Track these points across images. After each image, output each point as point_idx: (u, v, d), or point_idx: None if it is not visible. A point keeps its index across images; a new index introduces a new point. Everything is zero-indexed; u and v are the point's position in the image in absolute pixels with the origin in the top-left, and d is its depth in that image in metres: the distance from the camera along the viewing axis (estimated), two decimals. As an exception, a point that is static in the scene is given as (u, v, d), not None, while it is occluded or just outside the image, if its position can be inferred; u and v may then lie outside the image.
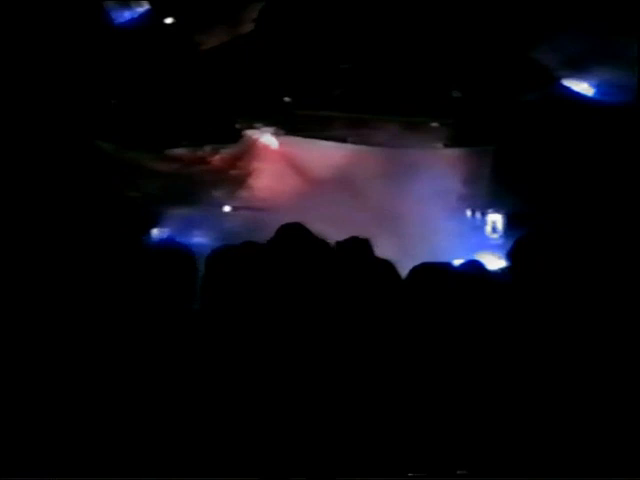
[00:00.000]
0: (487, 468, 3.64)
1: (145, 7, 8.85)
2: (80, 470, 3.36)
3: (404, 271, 4.23)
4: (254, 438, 3.44)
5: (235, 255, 3.88)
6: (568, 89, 9.17)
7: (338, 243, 5.05)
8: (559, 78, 9.19)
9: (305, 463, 3.50)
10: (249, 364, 3.54)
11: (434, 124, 8.98)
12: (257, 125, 9.44)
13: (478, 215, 9.48)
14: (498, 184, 8.96)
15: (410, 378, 3.76)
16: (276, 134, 9.48)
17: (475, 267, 4.45)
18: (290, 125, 9.44)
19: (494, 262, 6.38)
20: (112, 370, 3.50)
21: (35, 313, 3.70)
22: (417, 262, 4.25)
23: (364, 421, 3.66)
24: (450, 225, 8.94)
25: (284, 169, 9.48)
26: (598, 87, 9.11)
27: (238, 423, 3.45)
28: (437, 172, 8.73)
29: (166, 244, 4.07)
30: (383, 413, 3.68)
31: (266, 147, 9.51)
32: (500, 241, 9.21)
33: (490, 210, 9.46)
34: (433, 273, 4.14)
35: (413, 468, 3.62)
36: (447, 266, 4.25)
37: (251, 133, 9.47)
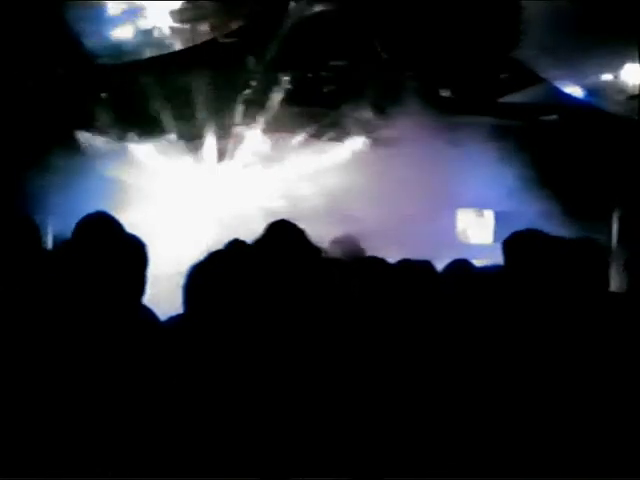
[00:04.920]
0: (485, 468, 3.63)
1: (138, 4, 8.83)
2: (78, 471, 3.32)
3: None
4: (254, 438, 3.41)
5: (221, 256, 3.82)
6: (559, 90, 9.19)
7: (332, 241, 5.05)
8: (549, 79, 9.20)
9: (305, 463, 3.48)
10: (245, 364, 3.50)
11: (425, 122, 8.96)
12: (247, 121, 9.43)
13: (469, 213, 9.53)
14: (490, 182, 8.97)
15: (405, 378, 3.75)
16: (266, 130, 9.47)
17: (463, 266, 4.43)
18: (280, 121, 9.43)
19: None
20: (105, 374, 3.45)
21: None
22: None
23: (361, 422, 3.65)
24: (440, 223, 8.97)
25: (273, 164, 9.49)
26: (588, 89, 9.13)
27: (237, 424, 3.42)
28: (429, 170, 8.74)
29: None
30: (380, 413, 3.67)
31: (255, 143, 9.50)
32: (490, 240, 9.25)
33: (481, 208, 9.49)
34: (415, 271, 4.12)
35: (412, 468, 3.61)
36: (427, 264, 4.21)
37: (241, 129, 9.45)
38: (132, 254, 3.67)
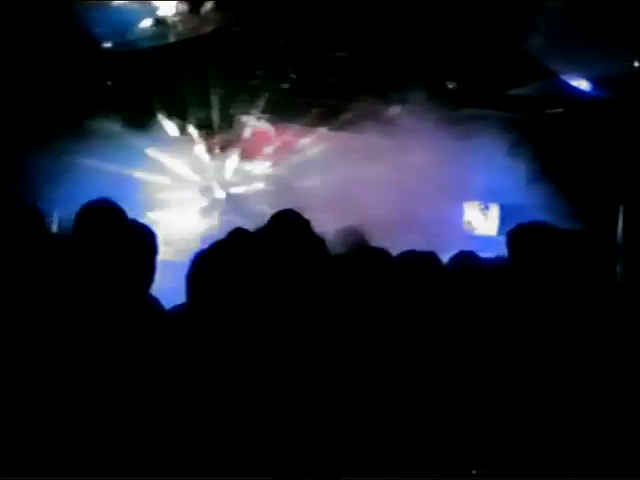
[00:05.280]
0: (485, 467, 3.63)
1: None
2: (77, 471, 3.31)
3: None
4: (254, 438, 3.40)
5: (224, 246, 3.81)
6: (565, 83, 9.17)
7: (336, 232, 5.04)
8: (555, 72, 9.18)
9: (305, 463, 3.47)
10: (248, 356, 3.50)
11: (431, 114, 8.96)
12: (252, 111, 9.43)
13: (475, 206, 9.54)
14: (495, 175, 8.97)
15: (409, 374, 3.74)
16: (271, 120, 9.47)
17: (469, 257, 4.43)
18: (285, 112, 9.43)
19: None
20: (103, 370, 3.43)
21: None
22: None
23: (363, 420, 3.64)
24: (446, 215, 8.98)
25: (278, 155, 9.49)
26: (594, 82, 9.12)
27: (238, 423, 3.41)
28: (434, 162, 8.74)
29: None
30: (381, 410, 3.66)
31: (260, 133, 9.50)
32: (495, 232, 9.27)
33: (485, 201, 9.50)
34: (421, 262, 4.12)
35: (412, 468, 3.61)
36: (432, 255, 4.21)
37: (246, 119, 9.45)
38: (136, 242, 3.67)
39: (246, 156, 9.55)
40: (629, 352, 3.86)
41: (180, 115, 9.29)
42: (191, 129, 9.38)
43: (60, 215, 7.21)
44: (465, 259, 4.42)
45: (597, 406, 3.75)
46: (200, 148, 9.44)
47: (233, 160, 9.52)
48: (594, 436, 3.72)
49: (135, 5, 8.80)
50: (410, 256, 4.17)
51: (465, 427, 3.72)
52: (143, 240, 3.68)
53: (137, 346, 3.45)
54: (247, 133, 9.51)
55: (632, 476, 3.63)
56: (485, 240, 8.80)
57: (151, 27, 8.89)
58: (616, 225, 9.04)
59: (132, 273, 3.61)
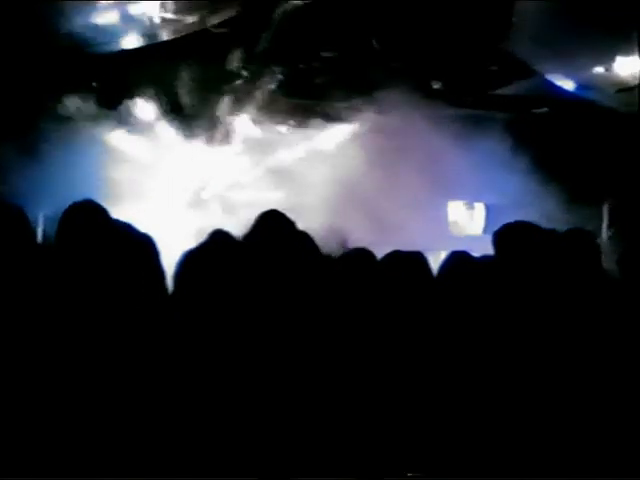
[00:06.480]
0: (482, 467, 3.64)
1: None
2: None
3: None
4: (254, 438, 3.40)
5: (209, 248, 3.81)
6: (549, 83, 9.20)
7: (323, 231, 5.03)
8: (540, 72, 9.21)
9: (305, 463, 3.47)
10: (232, 361, 3.50)
11: (416, 115, 8.98)
12: (237, 111, 9.44)
13: (460, 205, 9.55)
14: (480, 175, 9.00)
15: (397, 374, 3.75)
16: (256, 120, 9.48)
17: (461, 257, 4.41)
18: (270, 112, 9.44)
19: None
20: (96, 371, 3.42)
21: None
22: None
23: (360, 420, 3.64)
24: (432, 215, 9.00)
25: (263, 154, 9.51)
26: (579, 82, 9.15)
27: (237, 423, 3.41)
28: (419, 162, 8.76)
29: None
30: (377, 410, 3.66)
31: (245, 133, 9.52)
32: (481, 231, 9.29)
33: (473, 201, 9.52)
34: (407, 262, 4.12)
35: (412, 468, 3.61)
36: (418, 255, 4.20)
37: (231, 119, 9.46)
38: (137, 252, 3.66)
39: (232, 155, 9.56)
40: (619, 350, 3.88)
41: (165, 116, 9.30)
42: (177, 130, 9.38)
43: (39, 212, 7.18)
44: (459, 259, 4.39)
45: (585, 403, 3.77)
46: (186, 149, 9.45)
47: (218, 160, 9.53)
48: (582, 436, 3.74)
49: (120, 7, 8.80)
50: (396, 256, 4.17)
51: (454, 425, 3.73)
52: (143, 249, 3.68)
53: (127, 349, 3.45)
54: (233, 133, 9.52)
55: (631, 476, 3.65)
56: (470, 239, 8.82)
57: (136, 29, 8.90)
58: (602, 223, 9.08)
59: (125, 279, 3.60)
